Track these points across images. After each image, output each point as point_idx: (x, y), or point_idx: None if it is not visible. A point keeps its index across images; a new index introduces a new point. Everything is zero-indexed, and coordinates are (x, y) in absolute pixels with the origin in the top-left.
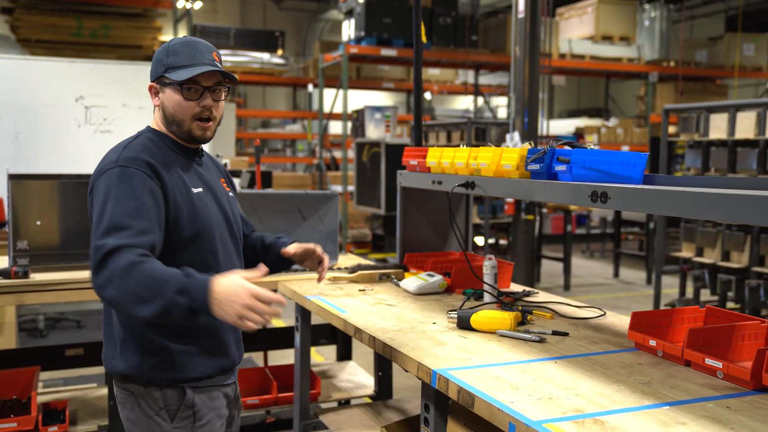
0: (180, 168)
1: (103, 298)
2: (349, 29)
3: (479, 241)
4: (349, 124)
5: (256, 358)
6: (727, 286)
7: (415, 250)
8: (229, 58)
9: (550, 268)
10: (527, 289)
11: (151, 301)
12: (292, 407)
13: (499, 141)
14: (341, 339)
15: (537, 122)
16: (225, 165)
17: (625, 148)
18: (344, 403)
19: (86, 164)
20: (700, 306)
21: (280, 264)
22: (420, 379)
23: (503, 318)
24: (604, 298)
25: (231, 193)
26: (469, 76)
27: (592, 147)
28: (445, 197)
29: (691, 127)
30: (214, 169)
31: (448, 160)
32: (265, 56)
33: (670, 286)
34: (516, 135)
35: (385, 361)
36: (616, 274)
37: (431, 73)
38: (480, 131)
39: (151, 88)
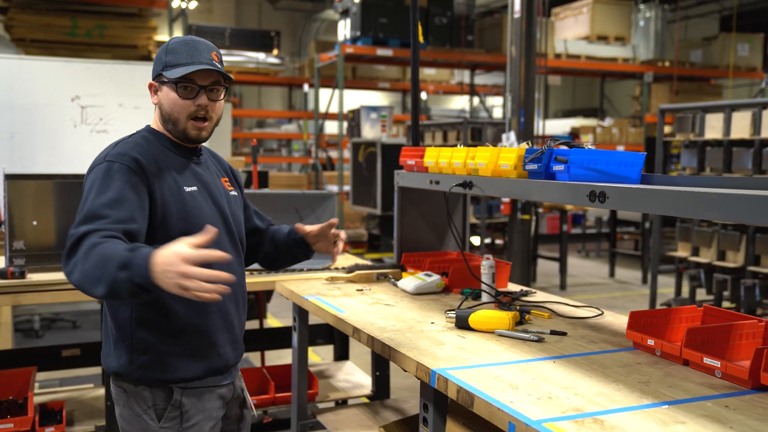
0: (174, 167)
1: (71, 283)
2: (344, 29)
3: (475, 241)
4: (345, 124)
5: (253, 358)
6: (723, 285)
7: (413, 249)
8: (224, 57)
9: (546, 267)
10: (525, 288)
11: (101, 279)
12: (290, 407)
13: (495, 141)
14: (338, 339)
15: (533, 122)
16: None
17: (621, 148)
18: (341, 403)
19: (82, 164)
20: (697, 306)
21: (299, 252)
22: (419, 379)
23: (501, 318)
24: (600, 297)
25: (234, 192)
26: (464, 76)
27: (589, 147)
28: (442, 197)
29: (686, 127)
30: (214, 169)
31: (445, 159)
32: (261, 56)
33: (666, 286)
34: (512, 135)
35: (382, 360)
36: (612, 274)
37: (427, 73)
38: (476, 131)
39: (150, 86)
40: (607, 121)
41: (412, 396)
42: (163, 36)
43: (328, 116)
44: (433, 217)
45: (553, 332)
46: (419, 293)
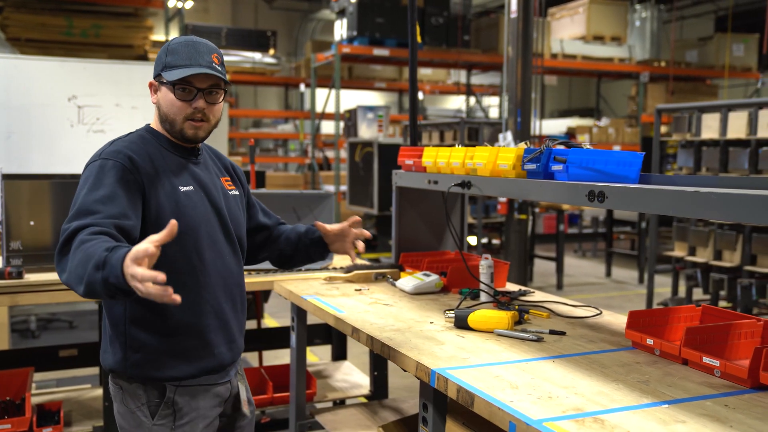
0: (170, 166)
1: (61, 281)
2: (341, 29)
3: (472, 240)
4: (342, 124)
5: (251, 358)
6: (720, 285)
7: (411, 249)
8: None
9: (543, 267)
10: (523, 288)
11: (81, 279)
12: (288, 407)
13: (492, 141)
14: (336, 339)
15: (530, 122)
16: None
17: (617, 148)
18: (339, 403)
19: (79, 164)
20: (696, 305)
21: (315, 252)
22: (419, 379)
23: (500, 317)
24: (597, 297)
25: (235, 191)
26: (461, 75)
27: (587, 147)
28: (440, 197)
29: (683, 127)
30: (215, 168)
31: (444, 159)
32: (257, 56)
33: (662, 285)
34: (509, 135)
35: (380, 360)
36: (608, 274)
37: (423, 72)
38: (473, 131)
39: (150, 85)
40: (604, 121)
41: (410, 396)
42: (159, 36)
43: (324, 116)
44: (431, 216)
45: (552, 332)
46: (418, 293)
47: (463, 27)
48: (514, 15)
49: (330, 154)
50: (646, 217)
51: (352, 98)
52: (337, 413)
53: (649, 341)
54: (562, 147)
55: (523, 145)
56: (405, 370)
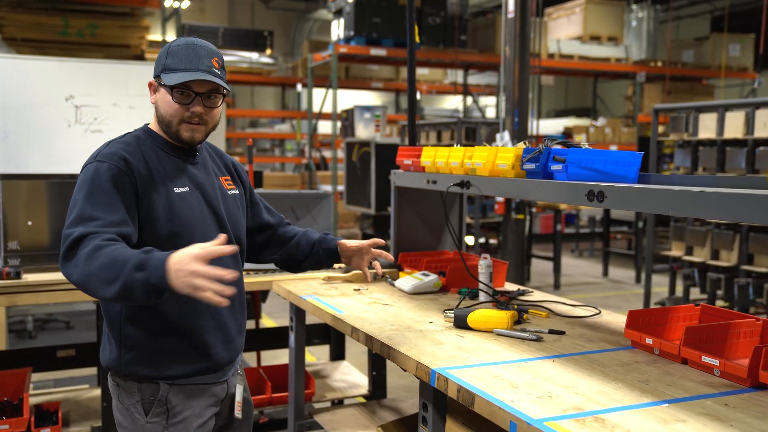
0: (165, 167)
1: (71, 282)
2: (338, 29)
3: (469, 240)
4: (339, 124)
5: (249, 358)
6: (717, 284)
7: (409, 249)
8: None
9: (540, 267)
10: (522, 288)
11: (113, 281)
12: (286, 407)
13: (489, 140)
14: (334, 339)
15: (527, 122)
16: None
17: (614, 148)
18: (338, 403)
19: (77, 164)
20: (695, 305)
21: (326, 261)
22: (419, 378)
23: (500, 317)
24: (594, 296)
25: (235, 191)
26: (458, 75)
27: (586, 146)
28: (438, 197)
29: (680, 127)
30: (214, 167)
31: (442, 159)
32: (254, 56)
33: (659, 285)
34: (506, 134)
35: (379, 360)
36: (605, 273)
37: (420, 72)
38: (470, 131)
39: (150, 85)
40: (600, 121)
41: (408, 396)
42: (155, 36)
43: (321, 116)
44: (429, 216)
45: (551, 331)
46: (416, 293)
47: (459, 27)
48: (511, 15)
49: (327, 154)
50: (643, 216)
51: (349, 98)
52: (335, 413)
53: (649, 341)
54: (560, 147)
55: (521, 145)
56: (405, 370)
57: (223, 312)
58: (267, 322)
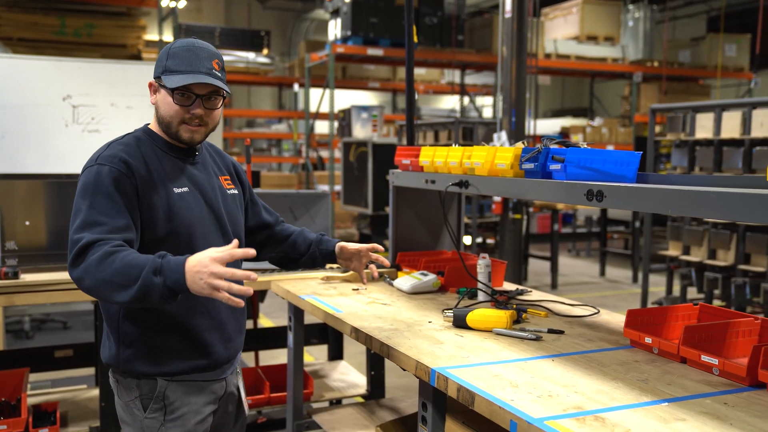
0: (165, 168)
1: (82, 288)
2: (335, 29)
3: (467, 240)
4: (336, 124)
5: (247, 358)
6: (714, 284)
7: (408, 249)
8: None
9: (537, 266)
10: (520, 287)
11: (129, 285)
12: (285, 407)
13: (487, 140)
14: (332, 338)
15: (524, 122)
16: None
17: (610, 148)
18: (336, 403)
19: (74, 164)
20: (694, 304)
21: (322, 262)
22: (418, 378)
23: (499, 316)
24: (591, 296)
25: (234, 191)
26: (455, 75)
27: (584, 146)
28: (436, 197)
29: (677, 127)
30: (214, 167)
31: (441, 159)
32: (251, 55)
33: (656, 284)
34: (503, 134)
35: (377, 360)
36: (603, 273)
37: (417, 72)
38: (467, 131)
39: (150, 85)
40: (597, 121)
41: (407, 395)
42: (152, 35)
43: (318, 116)
44: (427, 216)
45: (550, 331)
46: (415, 292)
47: (457, 27)
48: (508, 15)
49: (324, 153)
50: (640, 216)
51: (345, 98)
52: (334, 413)
53: (648, 340)
54: (558, 147)
55: (520, 145)
56: (404, 369)
57: (222, 311)
58: (265, 321)
